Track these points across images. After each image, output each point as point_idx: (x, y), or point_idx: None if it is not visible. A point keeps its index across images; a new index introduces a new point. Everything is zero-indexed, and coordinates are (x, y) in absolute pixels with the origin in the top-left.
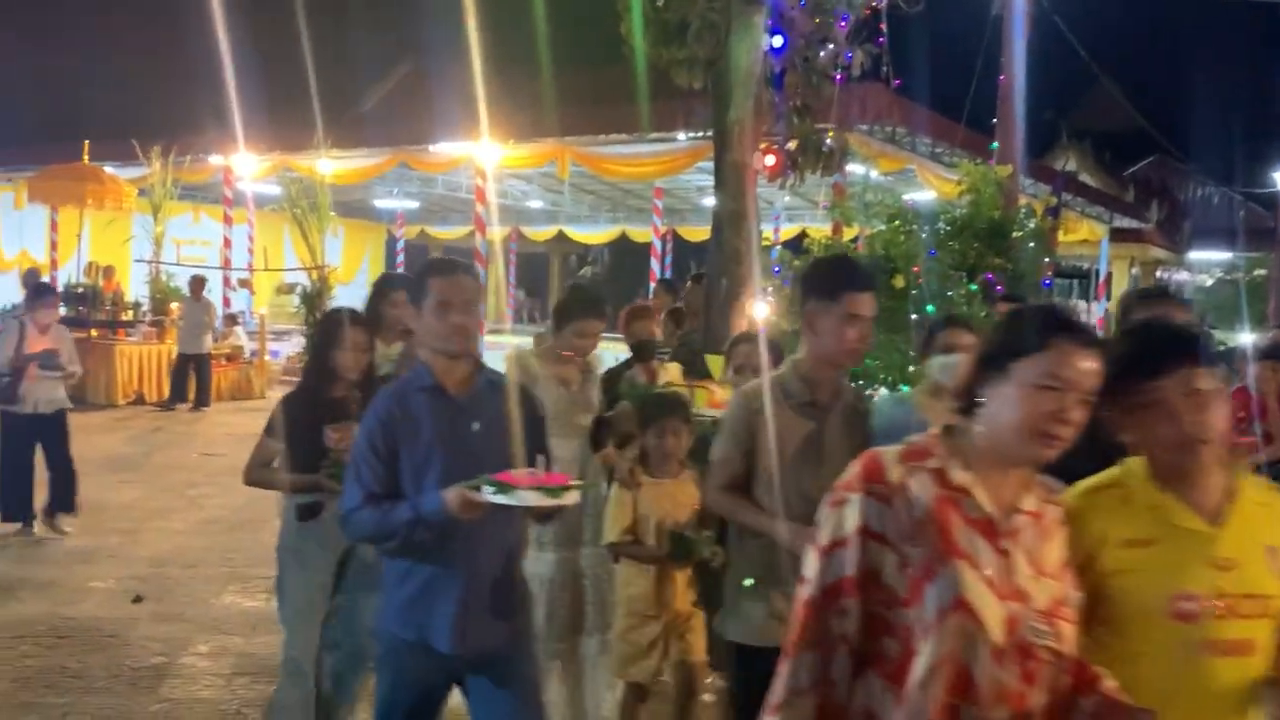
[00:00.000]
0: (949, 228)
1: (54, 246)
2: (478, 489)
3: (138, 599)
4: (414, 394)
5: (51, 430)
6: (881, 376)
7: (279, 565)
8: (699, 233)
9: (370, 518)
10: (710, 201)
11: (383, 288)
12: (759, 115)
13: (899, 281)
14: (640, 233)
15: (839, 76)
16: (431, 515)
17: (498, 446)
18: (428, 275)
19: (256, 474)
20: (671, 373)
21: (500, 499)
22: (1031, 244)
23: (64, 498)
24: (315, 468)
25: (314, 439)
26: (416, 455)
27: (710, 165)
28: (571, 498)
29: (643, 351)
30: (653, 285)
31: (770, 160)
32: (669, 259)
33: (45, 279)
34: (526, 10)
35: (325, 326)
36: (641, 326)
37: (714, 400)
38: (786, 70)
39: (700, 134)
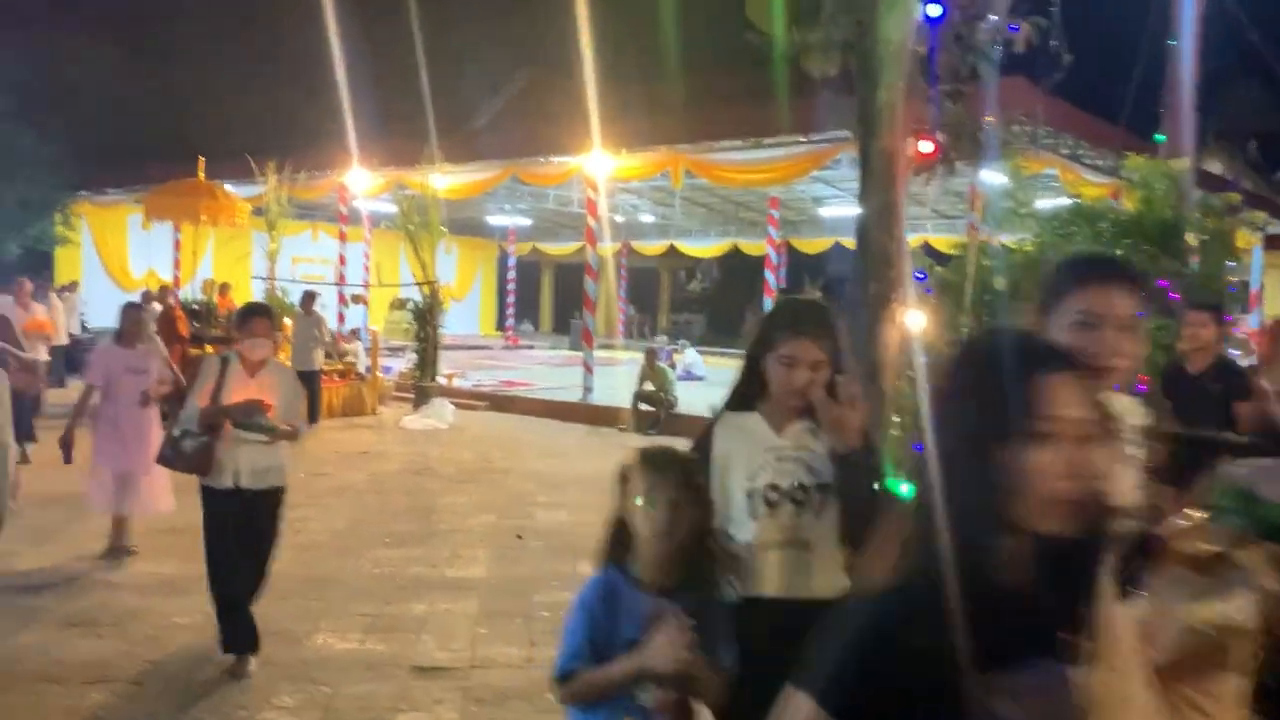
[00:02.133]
0: (1114, 229)
1: (177, 265)
2: None
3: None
4: None
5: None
6: None
7: None
8: (815, 244)
9: None
10: (827, 212)
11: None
12: (910, 98)
13: None
14: (753, 245)
15: (999, 55)
16: None
17: None
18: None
19: None
20: None
21: None
22: (1209, 248)
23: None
24: None
25: None
26: None
27: (830, 173)
28: None
29: None
30: (768, 299)
31: (926, 146)
32: (783, 272)
33: (138, 295)
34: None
35: None
36: None
37: None
38: (940, 48)
39: (823, 137)
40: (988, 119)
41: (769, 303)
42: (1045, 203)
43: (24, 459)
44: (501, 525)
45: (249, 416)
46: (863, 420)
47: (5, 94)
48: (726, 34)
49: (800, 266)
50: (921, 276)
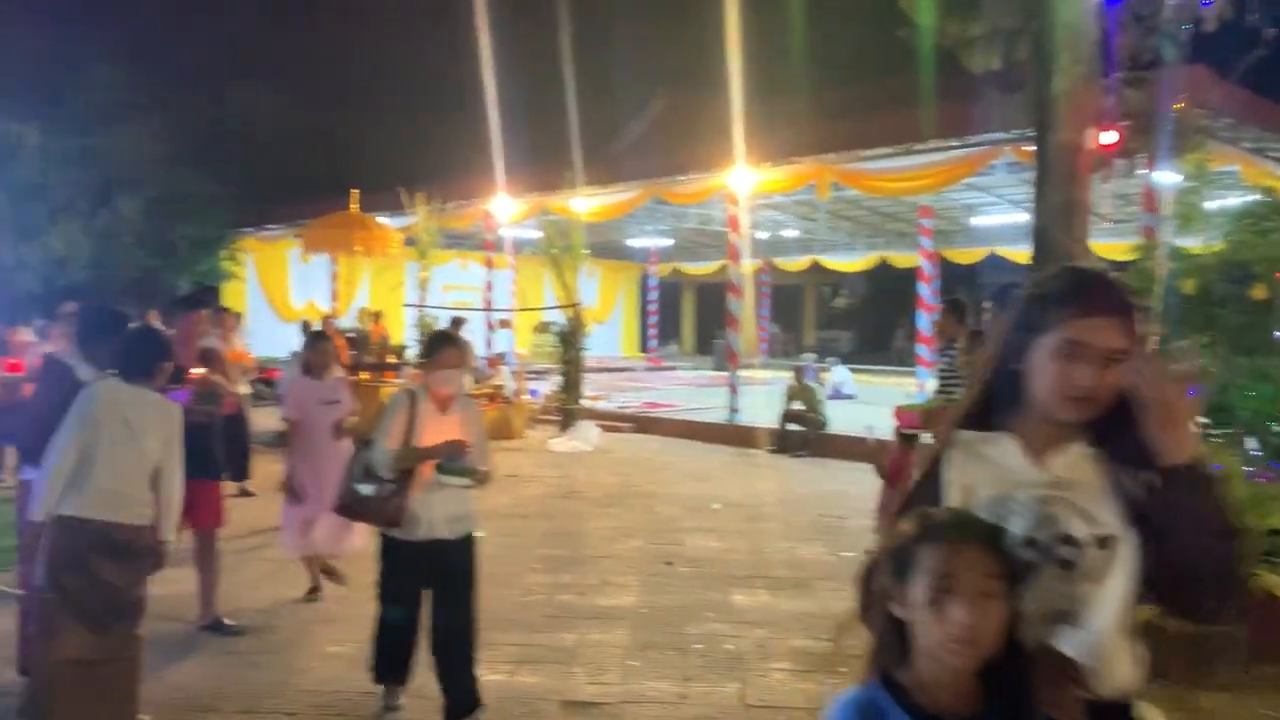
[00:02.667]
0: None
1: (335, 296)
2: None
3: (313, 592)
4: None
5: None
6: (1246, 411)
7: None
8: (968, 255)
9: None
10: (980, 221)
11: None
12: (1086, 87)
13: (1259, 292)
14: (902, 258)
15: (1188, 36)
16: None
17: None
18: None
19: None
20: None
21: None
22: None
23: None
24: None
25: None
26: None
27: (984, 179)
28: None
29: None
30: (921, 313)
31: (1110, 137)
32: (935, 284)
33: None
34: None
35: None
36: None
37: None
38: (1119, 30)
39: (978, 140)
40: (1176, 106)
41: (922, 317)
42: (1220, 202)
43: (243, 492)
44: (650, 551)
45: (451, 458)
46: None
47: (179, 139)
48: (870, 42)
49: (953, 278)
50: None
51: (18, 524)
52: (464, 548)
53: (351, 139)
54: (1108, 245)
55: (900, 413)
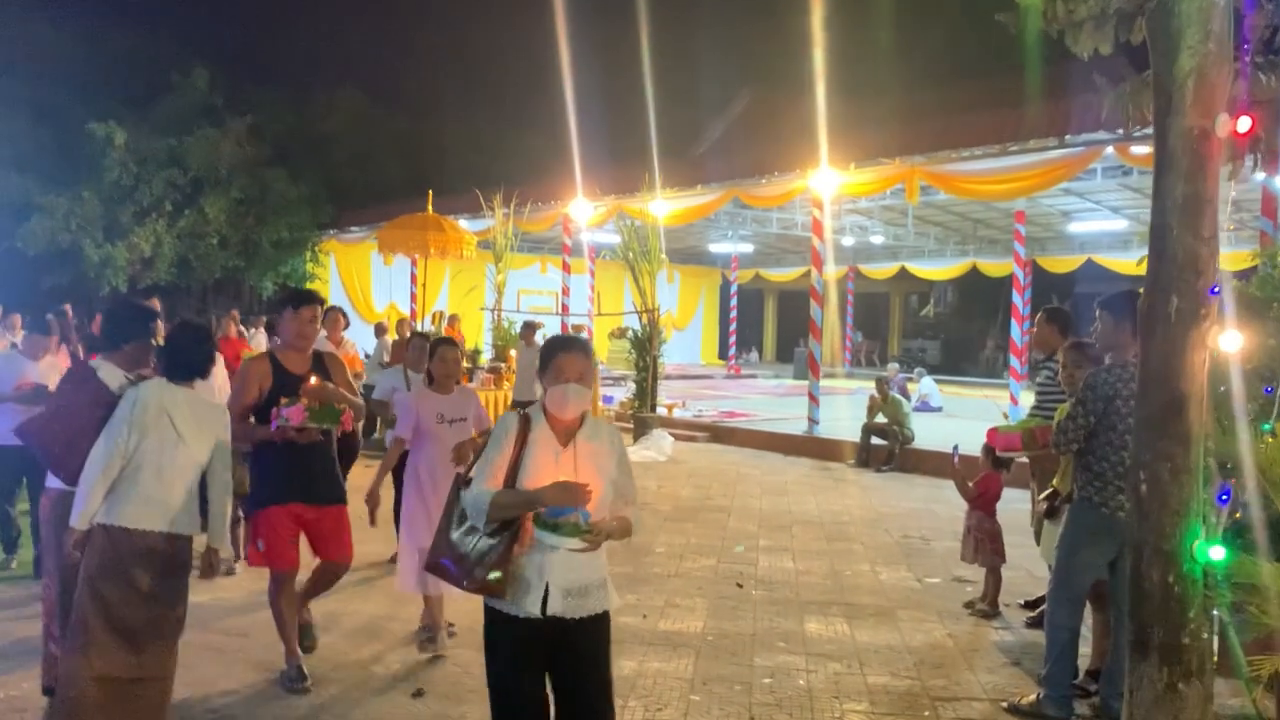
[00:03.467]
0: None
1: (414, 298)
2: None
3: (418, 693)
4: None
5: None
6: None
7: None
8: (1063, 262)
9: None
10: (1076, 227)
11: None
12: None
13: None
14: (993, 265)
15: None
16: None
17: None
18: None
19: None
20: None
21: None
22: None
23: None
24: None
25: None
26: None
27: (1081, 184)
28: None
29: None
30: (1015, 323)
31: (1244, 124)
32: (1028, 293)
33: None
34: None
35: None
36: None
37: None
38: (1255, 7)
39: (1080, 140)
40: None
41: (1015, 327)
42: None
43: None
44: (721, 571)
45: (557, 510)
46: None
47: (264, 143)
48: (962, 42)
49: (1046, 287)
50: (1215, 292)
51: (41, 535)
52: (593, 630)
53: (433, 141)
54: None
55: (996, 435)
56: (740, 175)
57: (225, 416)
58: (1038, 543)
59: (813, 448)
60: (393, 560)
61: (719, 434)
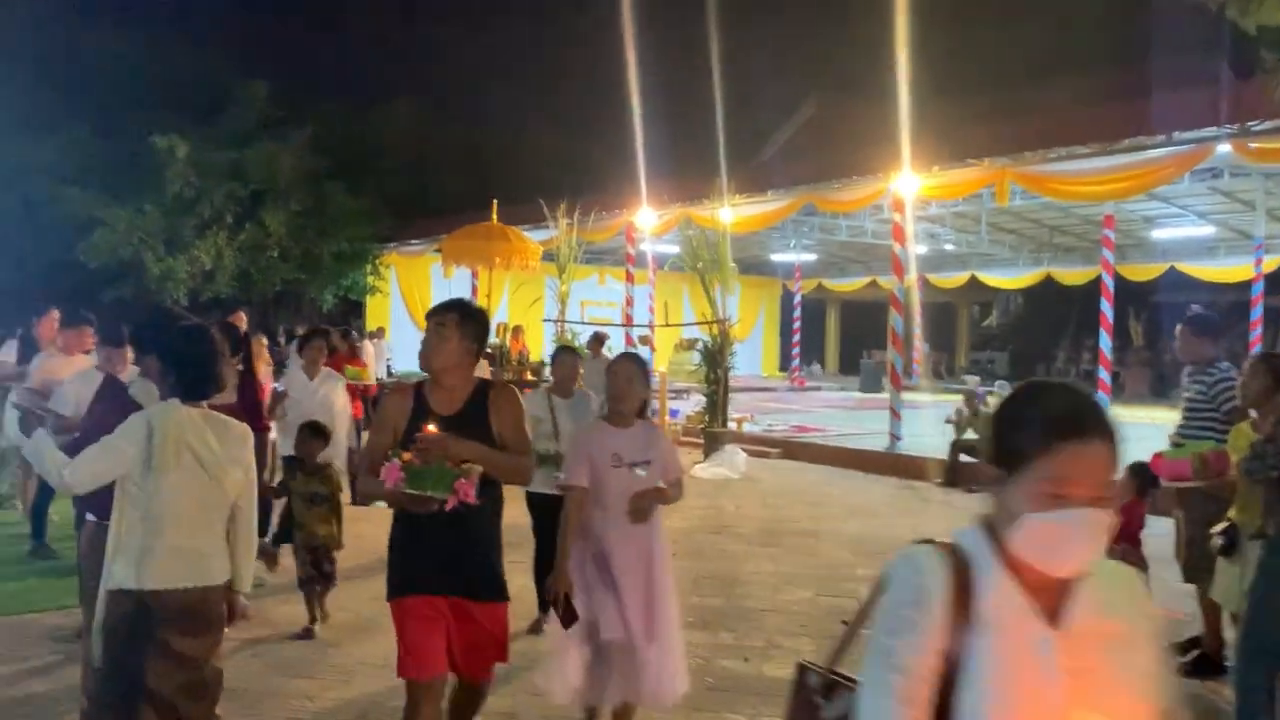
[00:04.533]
0: None
1: None
2: None
3: None
4: None
5: None
6: None
7: None
8: (1144, 271)
9: None
10: (1161, 234)
11: None
12: None
13: None
14: (1069, 274)
15: None
16: None
17: None
18: None
19: None
20: None
21: None
22: None
23: None
24: None
25: None
26: None
27: (1167, 189)
28: None
29: None
30: (1104, 333)
31: None
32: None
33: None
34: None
35: None
36: None
37: None
38: None
39: (1192, 136)
40: None
41: (1104, 337)
42: None
43: None
44: (821, 605)
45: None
46: None
47: (324, 154)
48: (1055, 37)
49: (1125, 296)
50: None
51: (82, 566)
52: None
53: (493, 151)
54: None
55: (1161, 463)
56: (814, 179)
57: (249, 436)
58: (1187, 579)
59: (895, 465)
60: (533, 630)
61: (792, 450)
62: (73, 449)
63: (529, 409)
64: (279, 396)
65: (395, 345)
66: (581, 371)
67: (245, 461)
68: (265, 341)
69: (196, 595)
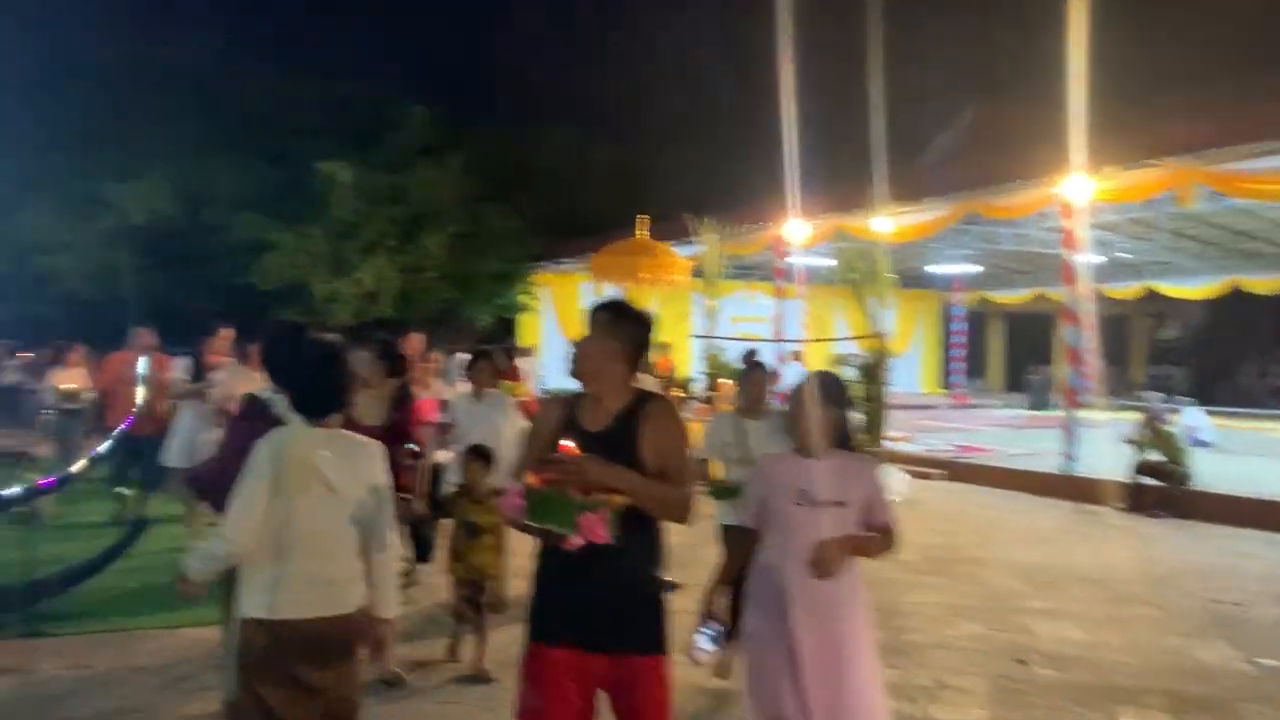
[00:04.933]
0: None
1: None
2: None
3: None
4: None
5: None
6: None
7: None
8: None
9: None
10: None
11: None
12: None
13: None
14: (1259, 282)
15: None
16: None
17: None
18: None
19: None
20: None
21: None
22: None
23: None
24: None
25: None
26: None
27: None
28: None
29: None
30: None
31: None
32: None
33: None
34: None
35: None
36: None
37: None
38: None
39: None
40: None
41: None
42: None
43: None
44: (993, 641)
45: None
46: None
47: (480, 176)
48: (1250, 28)
49: None
50: None
51: (221, 590)
52: None
53: (642, 168)
54: None
55: None
56: (976, 186)
57: (380, 453)
58: None
59: (1070, 488)
60: (719, 675)
61: (957, 471)
62: (216, 473)
63: (715, 433)
64: (444, 429)
65: (547, 364)
66: (726, 382)
67: (377, 480)
68: (439, 361)
69: (329, 625)
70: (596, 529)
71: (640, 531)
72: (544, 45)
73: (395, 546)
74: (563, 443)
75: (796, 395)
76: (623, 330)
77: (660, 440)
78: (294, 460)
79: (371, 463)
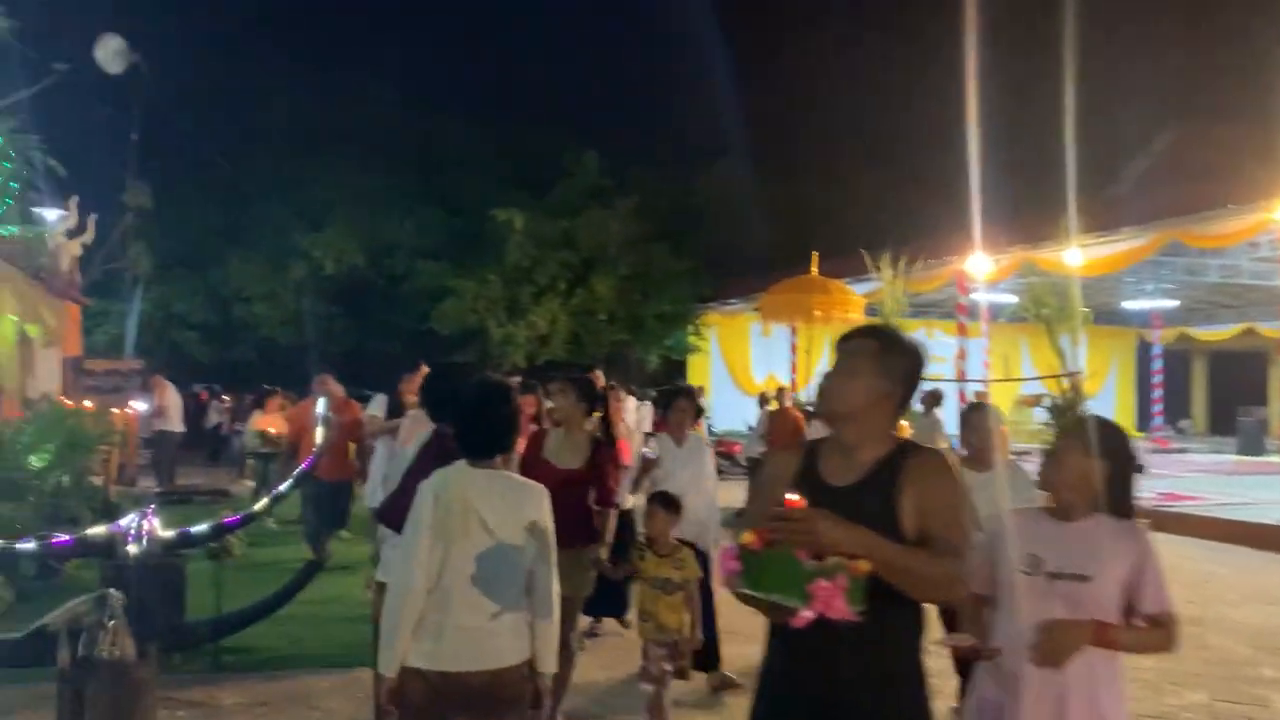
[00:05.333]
0: None
1: (794, 368)
2: None
3: None
4: None
5: None
6: None
7: None
8: None
9: None
10: None
11: None
12: None
13: None
14: None
15: None
16: None
17: None
18: None
19: None
20: None
21: None
22: None
23: None
24: None
25: None
26: None
27: None
28: None
29: None
30: None
31: None
32: None
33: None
34: None
35: None
36: None
37: None
38: None
39: None
40: None
41: None
42: None
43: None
44: (1219, 712)
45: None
46: None
47: (648, 219)
48: None
49: None
50: None
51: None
52: None
53: (811, 205)
54: None
55: None
56: (1177, 213)
57: (543, 498)
58: None
59: None
60: None
61: (1162, 521)
62: (400, 502)
63: None
64: (648, 465)
65: (714, 405)
66: (905, 424)
67: (541, 524)
68: (624, 397)
69: (487, 679)
70: (833, 601)
71: (895, 605)
72: (711, 80)
73: (556, 595)
74: (789, 496)
75: (1055, 456)
76: (892, 363)
77: (928, 500)
78: (453, 502)
79: (536, 504)
